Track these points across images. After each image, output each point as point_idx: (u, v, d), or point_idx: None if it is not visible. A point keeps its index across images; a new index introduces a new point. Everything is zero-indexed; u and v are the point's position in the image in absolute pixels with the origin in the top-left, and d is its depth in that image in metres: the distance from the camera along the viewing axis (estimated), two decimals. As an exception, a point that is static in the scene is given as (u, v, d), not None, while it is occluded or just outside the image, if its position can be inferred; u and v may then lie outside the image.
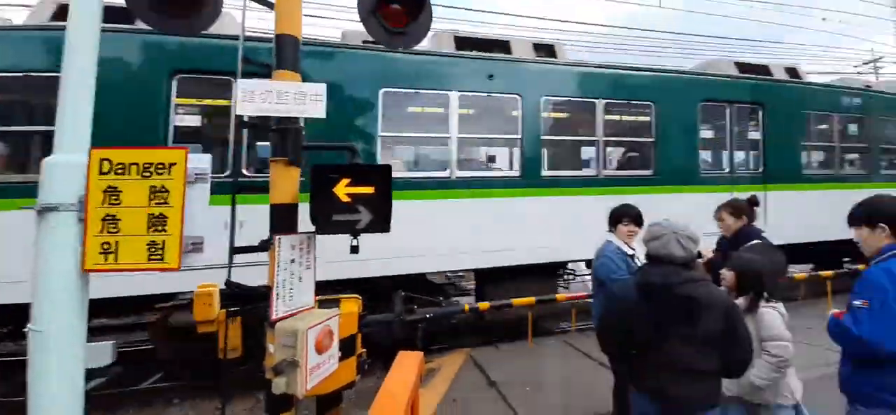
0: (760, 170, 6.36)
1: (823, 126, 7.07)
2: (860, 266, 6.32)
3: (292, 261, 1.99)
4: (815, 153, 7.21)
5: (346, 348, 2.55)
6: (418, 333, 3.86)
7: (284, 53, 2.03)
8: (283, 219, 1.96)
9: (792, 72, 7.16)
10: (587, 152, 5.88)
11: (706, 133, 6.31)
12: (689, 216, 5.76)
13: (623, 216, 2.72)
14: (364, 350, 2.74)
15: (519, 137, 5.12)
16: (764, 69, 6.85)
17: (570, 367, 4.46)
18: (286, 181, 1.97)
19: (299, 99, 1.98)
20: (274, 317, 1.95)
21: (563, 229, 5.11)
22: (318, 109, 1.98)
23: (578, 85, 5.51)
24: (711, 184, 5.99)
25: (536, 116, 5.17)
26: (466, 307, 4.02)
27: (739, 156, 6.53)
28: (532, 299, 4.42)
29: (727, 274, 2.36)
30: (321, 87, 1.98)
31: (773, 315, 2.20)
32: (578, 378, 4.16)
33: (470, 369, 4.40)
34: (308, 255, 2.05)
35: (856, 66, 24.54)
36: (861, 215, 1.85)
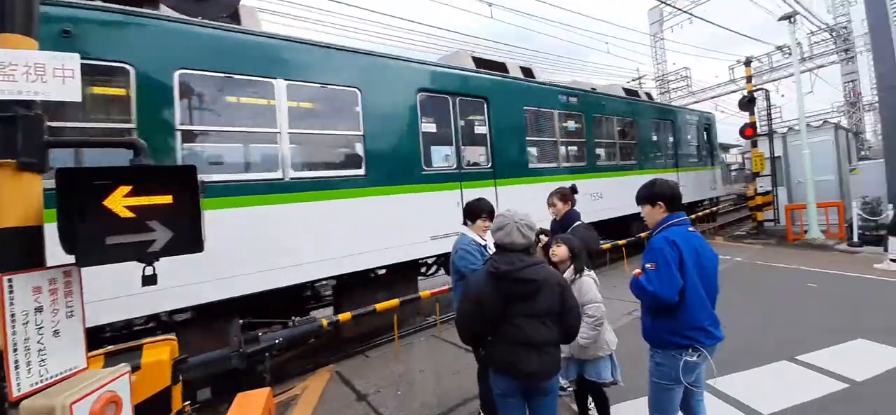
0: (490, 165, 5.95)
1: (546, 122, 7.05)
2: (643, 235, 8.21)
3: (38, 310, 1.37)
4: (539, 147, 7.06)
5: (155, 408, 1.95)
6: (266, 363, 3.25)
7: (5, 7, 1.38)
8: (15, 249, 1.32)
9: (527, 71, 6.91)
10: (269, 149, 4.25)
11: (429, 127, 5.45)
12: (414, 219, 4.69)
13: (481, 212, 2.83)
14: (187, 404, 2.16)
15: (132, 126, 3.32)
16: (500, 66, 6.55)
17: (438, 359, 4.51)
18: (16, 194, 1.33)
19: (34, 73, 1.36)
20: (14, 394, 1.34)
21: (235, 255, 3.64)
22: (69, 91, 1.39)
23: (248, 58, 4.02)
24: (437, 183, 5.25)
25: (167, 99, 3.50)
26: (325, 323, 3.56)
27: (467, 152, 5.91)
28: (396, 301, 4.27)
29: (558, 250, 2.64)
30: (72, 59, 1.40)
31: (588, 282, 2.58)
32: (448, 368, 4.23)
33: (337, 387, 4.03)
34: (69, 298, 1.44)
35: (628, 80, 32.32)
36: (645, 196, 2.28)
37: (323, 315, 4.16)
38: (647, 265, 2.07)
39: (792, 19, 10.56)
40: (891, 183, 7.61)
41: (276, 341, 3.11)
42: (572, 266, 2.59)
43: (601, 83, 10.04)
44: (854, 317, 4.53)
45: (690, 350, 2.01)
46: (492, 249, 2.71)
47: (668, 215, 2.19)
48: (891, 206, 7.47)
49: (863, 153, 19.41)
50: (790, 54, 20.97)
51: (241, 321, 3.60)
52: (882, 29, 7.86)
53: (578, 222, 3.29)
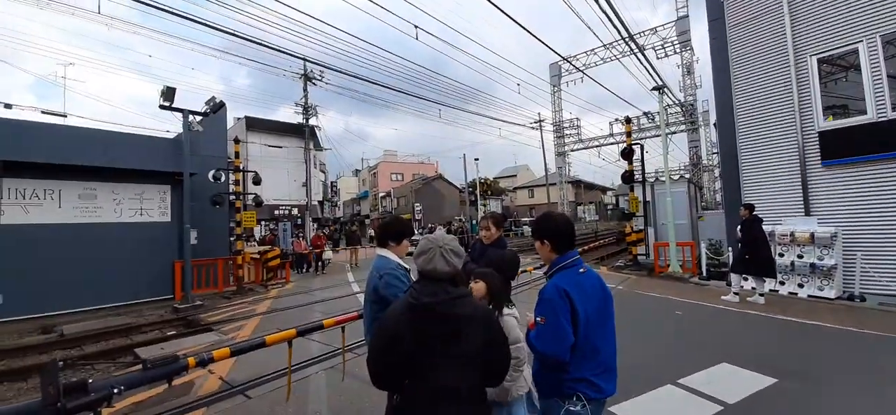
0: None
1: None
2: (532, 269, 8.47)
3: None
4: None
5: None
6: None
7: None
8: None
9: None
10: None
11: None
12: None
13: (407, 231, 2.48)
14: None
15: None
16: None
17: (339, 398, 3.96)
18: None
19: None
20: None
21: None
22: None
23: None
24: None
25: None
26: (192, 362, 2.71)
27: None
28: (293, 331, 3.60)
29: (476, 287, 2.40)
30: None
31: (511, 322, 2.39)
32: (350, 408, 3.72)
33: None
34: None
35: (531, 122, 35.59)
36: (534, 231, 2.03)
37: (192, 348, 3.29)
38: (538, 319, 1.86)
39: (661, 90, 12.70)
40: (729, 230, 9.37)
41: (114, 391, 2.27)
42: (491, 304, 2.38)
43: (507, 118, 10.50)
44: (715, 342, 5.26)
45: (575, 398, 1.84)
46: (414, 275, 2.40)
47: (557, 257, 1.96)
48: (729, 248, 9.17)
49: (702, 204, 24.04)
50: (653, 119, 25.44)
51: (61, 362, 2.62)
52: (726, 108, 9.84)
53: (507, 249, 3.18)
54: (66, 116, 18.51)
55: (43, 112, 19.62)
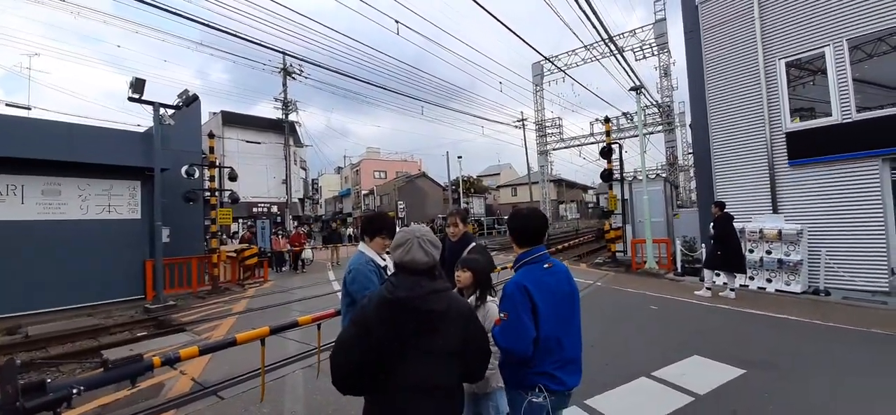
0: None
1: None
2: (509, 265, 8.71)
3: None
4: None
5: None
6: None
7: None
8: None
9: None
10: None
11: None
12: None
13: (382, 228, 2.42)
14: None
15: None
16: None
17: (316, 397, 3.88)
18: None
19: None
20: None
21: None
22: None
23: None
24: None
25: None
26: (158, 361, 2.59)
27: None
28: (266, 330, 3.50)
29: (462, 275, 2.42)
30: None
31: (494, 308, 2.40)
32: (328, 407, 3.65)
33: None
34: None
35: (514, 121, 35.88)
36: (508, 228, 2.07)
37: (158, 348, 3.17)
38: (501, 314, 1.89)
39: (639, 91, 12.98)
40: (703, 228, 9.67)
41: (74, 391, 2.15)
42: (477, 292, 2.39)
43: (492, 116, 10.62)
44: (687, 336, 5.40)
45: (537, 390, 1.87)
46: (391, 270, 2.36)
47: (521, 252, 1.99)
48: (703, 245, 9.46)
49: (677, 202, 24.72)
50: (632, 120, 26.03)
51: (19, 362, 2.48)
52: (700, 110, 10.13)
53: (474, 243, 3.17)
54: (30, 109, 17.67)
55: (7, 105, 18.65)
